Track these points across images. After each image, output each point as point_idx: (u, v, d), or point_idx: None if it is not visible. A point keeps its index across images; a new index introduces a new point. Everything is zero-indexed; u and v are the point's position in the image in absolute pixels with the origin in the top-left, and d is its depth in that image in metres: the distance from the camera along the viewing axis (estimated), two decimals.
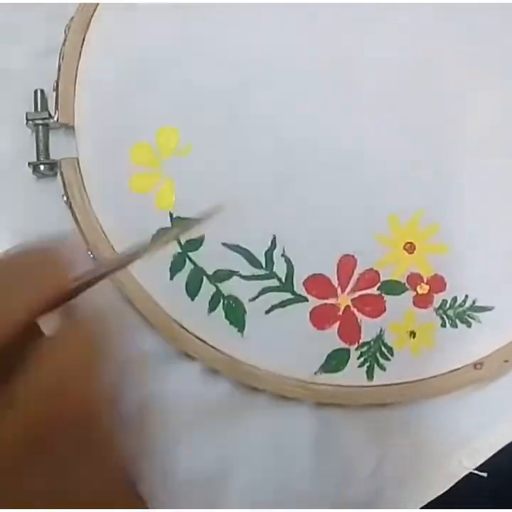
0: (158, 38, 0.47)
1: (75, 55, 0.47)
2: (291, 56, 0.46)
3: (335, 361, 0.45)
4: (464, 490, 0.45)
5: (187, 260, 0.45)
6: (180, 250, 0.45)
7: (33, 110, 0.47)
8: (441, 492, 0.45)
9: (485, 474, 0.45)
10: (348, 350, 0.45)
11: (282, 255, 0.45)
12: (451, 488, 0.45)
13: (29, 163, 0.46)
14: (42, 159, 0.47)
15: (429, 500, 0.45)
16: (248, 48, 0.46)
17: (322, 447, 0.46)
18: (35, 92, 0.47)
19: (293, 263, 0.45)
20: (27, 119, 0.47)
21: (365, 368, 0.45)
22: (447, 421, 0.45)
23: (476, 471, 0.45)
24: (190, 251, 0.45)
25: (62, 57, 0.46)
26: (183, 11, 0.46)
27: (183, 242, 0.45)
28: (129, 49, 0.47)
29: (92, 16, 0.47)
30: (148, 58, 0.47)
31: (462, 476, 0.45)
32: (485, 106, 0.47)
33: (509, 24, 0.47)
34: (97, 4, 0.47)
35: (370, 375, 0.45)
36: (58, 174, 0.47)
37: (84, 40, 0.47)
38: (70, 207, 0.46)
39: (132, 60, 0.47)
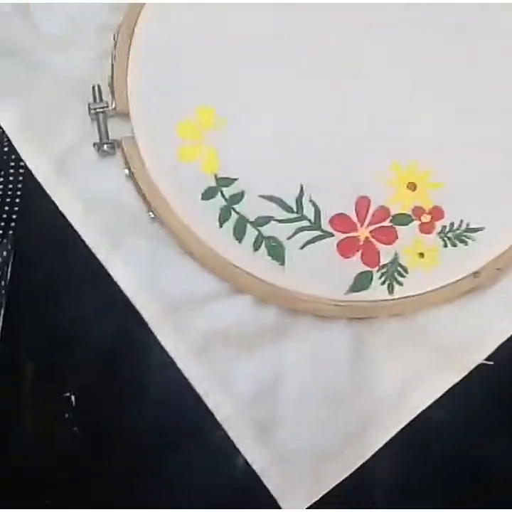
0: (190, 31, 0.58)
1: (124, 55, 0.57)
2: (307, 42, 0.58)
3: (361, 282, 0.54)
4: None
5: (232, 211, 0.55)
6: (225, 203, 0.55)
7: (92, 101, 0.57)
8: (456, 382, 0.54)
9: (492, 363, 0.54)
10: (371, 272, 0.55)
11: (310, 200, 0.55)
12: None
13: (94, 144, 0.56)
14: (104, 140, 0.57)
15: (446, 390, 0.54)
16: (270, 30, 0.58)
17: (355, 356, 0.55)
18: (93, 87, 0.57)
19: (319, 206, 0.55)
20: (89, 109, 0.57)
21: (386, 285, 0.55)
22: (456, 324, 0.55)
23: (485, 361, 0.54)
24: (234, 204, 0.55)
25: (114, 58, 0.57)
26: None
27: (227, 196, 0.55)
28: (167, 45, 0.58)
29: (136, 22, 0.57)
30: (183, 50, 0.57)
31: (473, 367, 0.54)
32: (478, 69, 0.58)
33: None
34: (140, 10, 0.57)
35: (390, 290, 0.55)
36: (118, 152, 0.57)
37: (130, 42, 0.57)
38: (133, 177, 0.55)
39: (170, 53, 0.57)
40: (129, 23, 0.58)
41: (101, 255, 0.55)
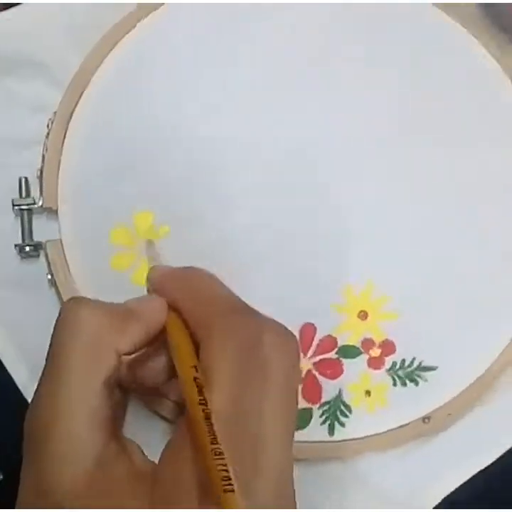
0: (134, 128, 0.52)
1: (58, 146, 0.51)
2: (265, 139, 0.52)
3: (299, 420, 0.49)
4: None
5: None
6: None
7: (18, 196, 0.51)
8: None
9: None
10: (310, 410, 0.50)
11: None
12: None
13: (15, 245, 0.51)
14: (27, 241, 0.51)
15: None
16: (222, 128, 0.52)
17: None
18: (20, 180, 0.52)
19: None
20: (13, 205, 0.51)
21: (326, 425, 0.50)
22: (401, 472, 0.50)
23: None
24: None
25: (46, 149, 0.51)
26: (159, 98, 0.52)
27: None
28: (107, 139, 0.52)
29: (73, 111, 0.52)
30: (124, 148, 0.52)
31: None
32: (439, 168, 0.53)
33: None
34: (78, 100, 0.52)
35: (331, 431, 0.50)
36: (42, 255, 0.51)
37: (66, 132, 0.52)
38: (54, 284, 0.50)
39: (110, 150, 0.52)
40: (66, 110, 0.52)
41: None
